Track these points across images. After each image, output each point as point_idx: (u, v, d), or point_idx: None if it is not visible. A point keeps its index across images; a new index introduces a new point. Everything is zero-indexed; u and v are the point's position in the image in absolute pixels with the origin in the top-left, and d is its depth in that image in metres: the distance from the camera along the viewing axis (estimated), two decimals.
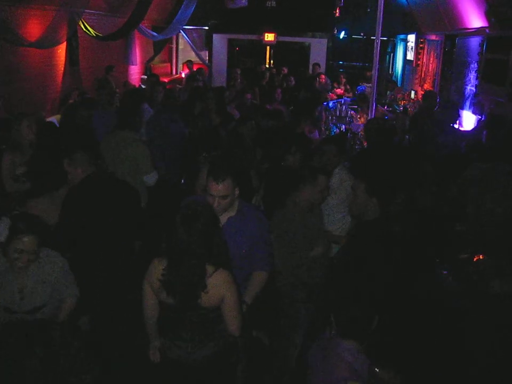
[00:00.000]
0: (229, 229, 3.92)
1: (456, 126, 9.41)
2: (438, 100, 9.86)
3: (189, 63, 15.51)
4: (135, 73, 15.01)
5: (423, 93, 13.52)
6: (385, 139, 6.48)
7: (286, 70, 15.17)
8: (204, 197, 3.93)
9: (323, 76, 14.22)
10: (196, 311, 3.36)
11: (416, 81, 14.75)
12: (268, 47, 17.90)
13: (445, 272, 4.97)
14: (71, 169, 4.66)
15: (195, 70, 14.94)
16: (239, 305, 3.48)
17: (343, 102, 12.86)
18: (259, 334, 5.21)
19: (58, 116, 8.87)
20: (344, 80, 15.60)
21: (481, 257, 4.98)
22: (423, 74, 14.20)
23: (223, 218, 3.94)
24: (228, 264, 3.47)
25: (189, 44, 17.00)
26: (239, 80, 13.30)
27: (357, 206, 4.21)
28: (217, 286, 3.32)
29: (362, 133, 9.90)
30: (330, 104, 12.40)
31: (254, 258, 4.09)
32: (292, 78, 13.02)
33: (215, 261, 3.34)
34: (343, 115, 11.80)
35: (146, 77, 14.32)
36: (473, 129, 8.82)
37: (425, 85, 13.82)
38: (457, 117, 9.10)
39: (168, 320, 3.51)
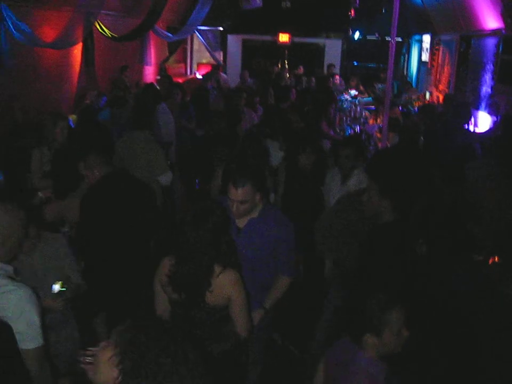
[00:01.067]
0: (249, 230, 3.93)
1: (470, 126, 9.37)
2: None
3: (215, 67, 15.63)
4: (149, 74, 15.06)
5: (438, 94, 13.50)
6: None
7: (302, 69, 15.15)
8: (225, 198, 3.93)
9: (337, 76, 14.20)
10: (203, 309, 3.37)
11: (431, 82, 14.68)
12: (283, 48, 17.90)
13: (460, 274, 4.95)
14: (87, 172, 4.72)
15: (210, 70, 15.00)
16: (246, 305, 3.47)
17: (357, 102, 12.83)
18: (274, 336, 5.24)
19: (74, 116, 8.94)
20: (353, 83, 15.59)
21: (496, 259, 4.95)
22: (438, 75, 14.12)
23: (244, 220, 3.94)
24: (236, 264, 3.46)
25: (204, 44, 17.05)
26: (248, 81, 13.22)
27: (371, 208, 4.18)
28: (224, 285, 3.32)
29: (377, 134, 9.89)
30: (345, 105, 12.35)
31: (276, 262, 4.06)
32: (313, 79, 12.93)
33: (222, 260, 3.34)
34: (357, 116, 11.78)
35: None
36: (488, 130, 8.77)
37: (440, 86, 13.76)
38: (470, 116, 9.05)
39: (177, 317, 3.52)
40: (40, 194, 5.42)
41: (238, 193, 3.77)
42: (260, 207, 3.98)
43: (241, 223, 3.95)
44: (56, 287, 3.61)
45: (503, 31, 9.27)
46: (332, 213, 5.00)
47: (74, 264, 4.02)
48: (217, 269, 3.32)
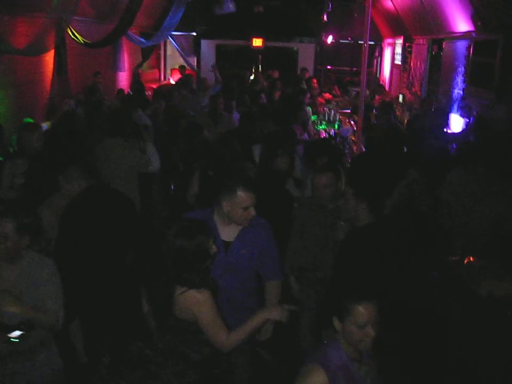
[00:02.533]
0: (242, 241, 3.84)
1: (446, 130, 9.51)
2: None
3: (181, 69, 15.52)
4: (123, 80, 14.98)
5: (410, 96, 13.65)
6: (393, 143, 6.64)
7: (277, 74, 15.19)
8: (208, 211, 3.86)
9: (315, 80, 14.30)
10: (176, 320, 3.37)
11: (404, 85, 14.84)
12: (257, 52, 17.93)
13: (435, 274, 5.00)
14: (67, 185, 4.68)
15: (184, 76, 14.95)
16: (213, 324, 3.36)
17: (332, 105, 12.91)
18: (260, 350, 5.20)
19: (48, 123, 8.85)
20: (327, 87, 15.75)
21: (471, 259, 5.02)
22: (410, 78, 14.29)
23: (235, 231, 3.84)
24: (208, 285, 3.37)
25: (177, 50, 17.01)
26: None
27: (348, 211, 4.23)
28: (188, 304, 3.30)
29: (352, 137, 9.96)
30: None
31: (265, 268, 4.01)
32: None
33: (183, 283, 3.29)
34: (332, 119, 11.85)
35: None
36: (461, 131, 8.89)
37: (413, 88, 13.92)
38: (447, 122, 9.20)
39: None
40: None
41: (254, 197, 3.70)
42: None
43: (228, 235, 3.83)
44: (16, 333, 3.38)
45: (474, 34, 9.41)
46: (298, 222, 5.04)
47: (55, 289, 3.67)
48: (181, 288, 3.28)
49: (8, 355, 3.51)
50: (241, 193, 3.66)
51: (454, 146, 8.22)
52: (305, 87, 13.08)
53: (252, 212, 3.70)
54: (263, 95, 10.97)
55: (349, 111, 12.83)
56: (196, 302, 3.29)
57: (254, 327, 3.50)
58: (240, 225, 3.78)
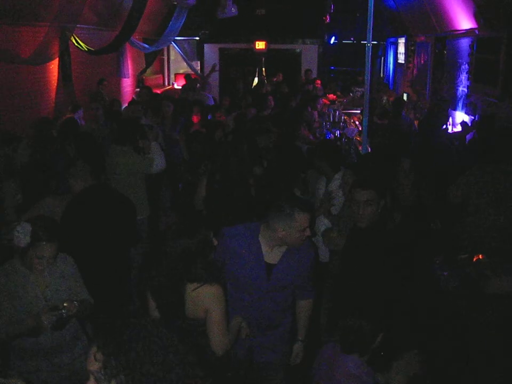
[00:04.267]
0: (286, 264, 3.70)
1: (448, 126, 9.50)
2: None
3: (187, 77, 15.58)
4: (127, 86, 15.02)
5: (414, 95, 13.63)
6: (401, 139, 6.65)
7: (281, 77, 15.23)
8: (251, 228, 3.73)
9: (319, 81, 14.30)
10: (183, 321, 3.35)
11: (408, 83, 14.83)
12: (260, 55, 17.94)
13: (444, 273, 5.00)
14: (72, 181, 4.72)
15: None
16: (223, 322, 3.36)
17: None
18: None
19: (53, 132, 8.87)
20: (332, 88, 15.76)
21: (480, 257, 5.00)
22: (414, 76, 14.28)
23: (279, 252, 3.69)
24: (218, 280, 3.38)
25: (181, 54, 17.05)
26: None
27: (372, 218, 4.07)
28: (203, 298, 3.28)
29: (357, 138, 9.96)
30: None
31: (300, 287, 3.89)
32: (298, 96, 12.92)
33: (193, 278, 3.29)
34: (336, 120, 11.84)
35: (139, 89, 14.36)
36: (462, 129, 8.88)
37: (416, 87, 13.90)
38: (448, 117, 9.17)
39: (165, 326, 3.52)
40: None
41: (310, 217, 3.58)
42: None
43: (272, 257, 3.68)
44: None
45: (477, 31, 9.40)
46: None
47: (81, 281, 3.93)
48: (194, 284, 3.28)
49: (53, 349, 3.72)
50: (298, 217, 3.49)
51: (457, 143, 8.22)
52: (312, 89, 13.15)
53: (308, 232, 3.57)
54: (270, 98, 11.02)
55: (358, 111, 12.82)
56: (210, 296, 3.29)
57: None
58: (294, 246, 3.64)
